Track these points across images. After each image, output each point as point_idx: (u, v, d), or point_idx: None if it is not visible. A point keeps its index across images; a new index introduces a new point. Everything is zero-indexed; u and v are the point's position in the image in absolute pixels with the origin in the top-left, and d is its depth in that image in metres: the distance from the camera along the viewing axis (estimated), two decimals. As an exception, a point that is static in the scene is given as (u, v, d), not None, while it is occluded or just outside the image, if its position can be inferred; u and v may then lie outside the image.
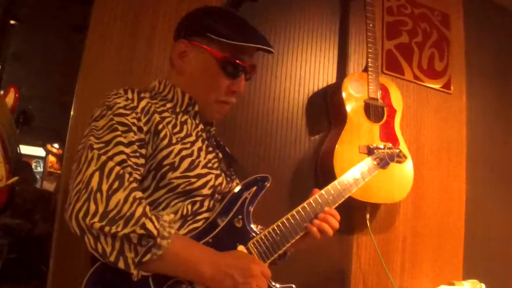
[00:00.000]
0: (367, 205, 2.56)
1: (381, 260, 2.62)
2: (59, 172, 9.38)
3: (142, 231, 1.10)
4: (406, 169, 2.58)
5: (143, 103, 1.34)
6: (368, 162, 1.77)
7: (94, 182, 1.15)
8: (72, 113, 2.09)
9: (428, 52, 3.16)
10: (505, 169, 3.44)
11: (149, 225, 1.12)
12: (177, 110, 1.45)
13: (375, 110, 2.55)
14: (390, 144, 1.94)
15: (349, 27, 2.86)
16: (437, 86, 3.15)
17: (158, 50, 2.27)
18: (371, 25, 2.65)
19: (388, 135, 2.56)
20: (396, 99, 2.68)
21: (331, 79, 2.75)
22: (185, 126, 1.43)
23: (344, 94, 2.51)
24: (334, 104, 2.61)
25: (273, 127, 2.53)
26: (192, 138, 1.42)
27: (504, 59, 3.62)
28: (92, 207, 1.11)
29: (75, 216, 1.11)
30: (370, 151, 1.87)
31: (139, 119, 1.30)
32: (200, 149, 1.42)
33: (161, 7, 2.32)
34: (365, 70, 2.60)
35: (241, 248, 1.37)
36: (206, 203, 1.38)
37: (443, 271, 2.95)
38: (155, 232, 1.12)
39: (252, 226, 1.43)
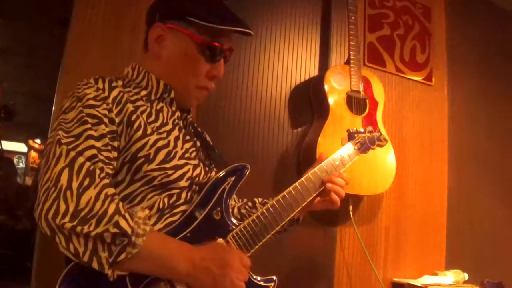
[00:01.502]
0: (350, 197, 2.58)
1: (364, 251, 2.64)
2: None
3: (115, 230, 1.05)
4: (388, 161, 2.60)
5: (114, 93, 1.28)
6: (348, 148, 1.73)
7: (64, 180, 1.08)
8: (54, 108, 2.07)
9: (410, 45, 3.17)
10: (488, 161, 3.48)
11: (123, 223, 1.06)
12: (152, 97, 1.39)
13: (357, 103, 2.56)
14: (371, 128, 1.87)
15: (331, 20, 2.86)
16: (418, 78, 3.17)
17: (142, 43, 2.26)
18: (353, 17, 2.66)
19: (371, 127, 2.57)
20: (378, 91, 2.70)
21: (313, 71, 2.76)
22: (160, 114, 1.37)
23: (326, 87, 2.52)
24: (317, 97, 2.62)
25: (256, 120, 2.54)
26: (169, 127, 1.37)
27: (487, 51, 3.65)
28: (62, 206, 1.05)
29: (44, 216, 1.05)
30: (350, 136, 1.80)
31: (110, 110, 1.24)
32: (177, 138, 1.37)
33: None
34: (347, 62, 2.61)
35: (220, 241, 1.32)
36: (183, 195, 1.33)
37: (426, 261, 2.98)
38: (129, 230, 1.07)
39: (232, 217, 1.38)
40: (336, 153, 1.68)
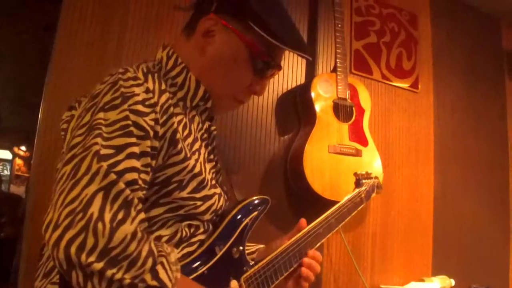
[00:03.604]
0: (336, 203, 2.58)
1: (351, 257, 2.64)
2: (27, 175, 9.23)
3: (154, 283, 0.87)
4: (375, 167, 2.61)
5: (163, 98, 1.09)
6: (357, 195, 1.69)
7: (96, 206, 0.86)
8: (40, 115, 2.05)
9: (396, 52, 3.19)
10: (474, 165, 3.50)
11: (163, 275, 0.89)
12: (187, 104, 1.22)
13: (344, 110, 2.57)
14: (371, 172, 1.86)
15: (318, 28, 2.87)
16: (405, 85, 3.19)
17: (128, 49, 2.25)
18: (339, 25, 2.67)
19: (357, 134, 2.59)
20: (365, 98, 2.71)
21: (300, 79, 2.77)
22: (192, 127, 1.21)
23: (313, 94, 2.52)
24: (303, 104, 2.62)
25: (243, 128, 2.53)
26: (198, 144, 1.22)
27: (472, 57, 3.69)
28: (90, 240, 0.83)
29: (64, 246, 0.83)
30: (359, 183, 1.77)
31: (157, 121, 1.04)
32: (205, 160, 1.23)
33: (132, 4, 2.30)
34: (334, 70, 2.62)
35: (233, 283, 1.20)
36: (202, 225, 1.21)
37: (413, 267, 2.99)
38: (169, 284, 0.90)
39: (247, 257, 1.28)
40: (344, 200, 1.65)
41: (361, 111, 2.66)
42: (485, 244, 3.42)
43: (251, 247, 1.51)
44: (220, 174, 1.36)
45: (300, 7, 2.85)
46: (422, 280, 2.85)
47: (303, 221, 1.45)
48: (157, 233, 1.11)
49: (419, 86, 3.26)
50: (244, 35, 1.17)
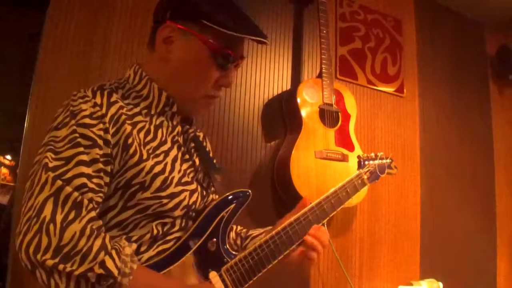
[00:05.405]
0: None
1: (339, 263, 2.64)
2: (12, 184, 9.15)
3: (101, 271, 0.97)
4: (361, 173, 2.62)
5: (113, 110, 1.18)
6: (357, 177, 1.66)
7: (47, 211, 1.00)
8: (26, 124, 2.05)
9: (381, 57, 3.21)
10: (460, 170, 3.53)
11: (109, 263, 0.99)
12: (152, 111, 1.30)
13: (330, 116, 2.58)
14: (382, 153, 1.78)
15: (303, 34, 2.88)
16: (390, 90, 3.21)
17: (113, 58, 2.25)
18: (324, 31, 2.68)
19: (343, 139, 2.59)
20: (350, 104, 2.72)
21: (286, 85, 2.77)
22: (159, 131, 1.28)
23: (299, 100, 2.53)
24: (289, 110, 2.63)
25: (229, 135, 2.53)
26: (167, 146, 1.28)
27: (457, 62, 3.72)
28: (44, 240, 0.97)
29: (25, 249, 0.97)
30: (360, 164, 1.72)
31: (106, 131, 1.14)
32: (175, 159, 1.28)
33: (116, 15, 2.30)
34: (319, 76, 2.63)
35: (213, 274, 1.25)
36: (178, 222, 1.26)
37: (401, 271, 3.00)
38: (115, 271, 0.99)
39: (228, 248, 1.31)
40: (343, 183, 1.64)
41: (347, 117, 2.67)
42: (473, 247, 3.45)
43: (257, 231, 1.58)
44: (200, 172, 1.41)
45: (285, 14, 2.86)
46: (410, 284, 2.86)
47: (305, 200, 1.52)
48: (131, 235, 1.18)
49: (404, 91, 3.28)
50: (201, 35, 1.25)
